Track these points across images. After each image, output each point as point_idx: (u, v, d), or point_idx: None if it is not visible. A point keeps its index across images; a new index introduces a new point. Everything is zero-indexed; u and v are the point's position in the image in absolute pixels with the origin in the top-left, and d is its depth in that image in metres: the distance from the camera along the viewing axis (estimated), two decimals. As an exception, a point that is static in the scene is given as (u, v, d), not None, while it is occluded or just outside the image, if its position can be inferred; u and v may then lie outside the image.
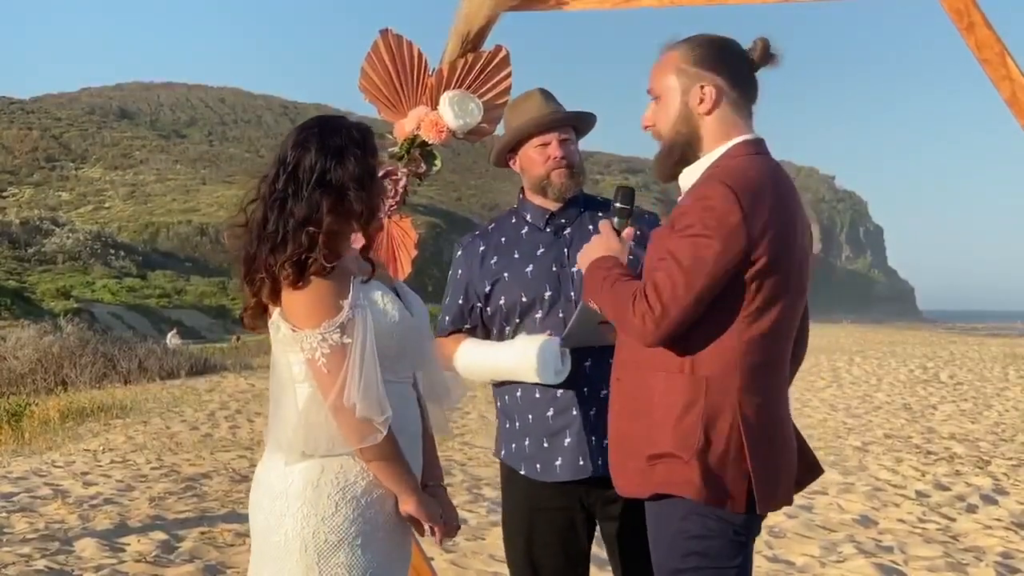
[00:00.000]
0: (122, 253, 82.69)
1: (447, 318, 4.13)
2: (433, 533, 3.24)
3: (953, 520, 8.87)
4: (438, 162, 4.24)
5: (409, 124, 4.16)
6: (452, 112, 4.11)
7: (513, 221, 4.08)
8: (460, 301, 4.08)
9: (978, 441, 13.88)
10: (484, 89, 4.19)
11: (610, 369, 3.73)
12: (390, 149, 4.19)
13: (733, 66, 3.16)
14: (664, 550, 3.07)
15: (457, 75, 4.15)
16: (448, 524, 3.29)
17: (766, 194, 3.00)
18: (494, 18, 4.16)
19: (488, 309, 4.00)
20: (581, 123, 4.04)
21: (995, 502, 9.70)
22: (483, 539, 8.02)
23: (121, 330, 44.23)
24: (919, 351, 39.40)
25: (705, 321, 2.98)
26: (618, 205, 3.41)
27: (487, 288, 3.99)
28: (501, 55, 4.19)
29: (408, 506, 3.15)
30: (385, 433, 3.06)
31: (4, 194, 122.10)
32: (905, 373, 26.95)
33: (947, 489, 10.32)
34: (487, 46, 4.21)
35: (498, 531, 8.19)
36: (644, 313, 2.94)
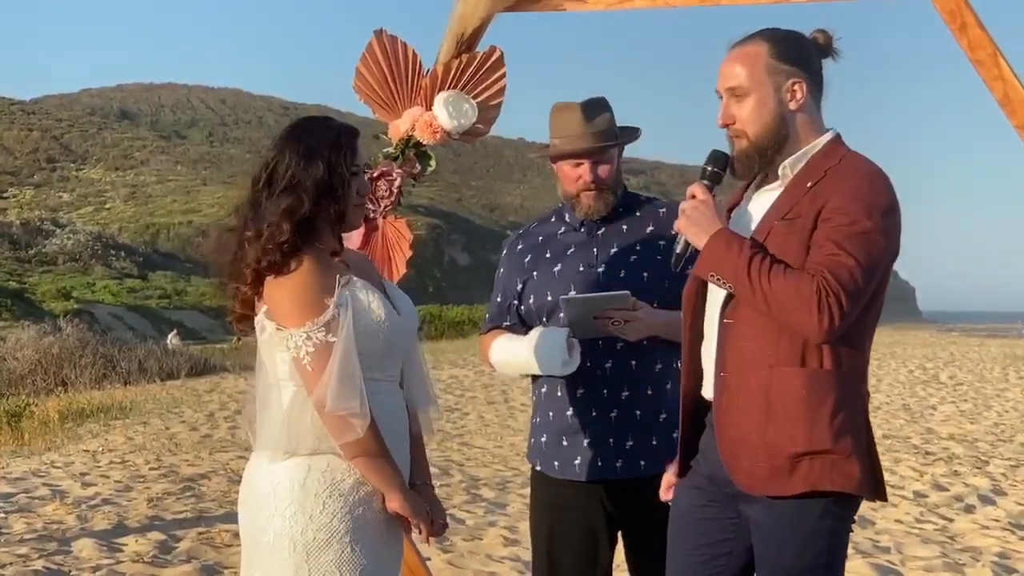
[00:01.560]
0: (123, 254, 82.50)
1: (488, 315, 4.21)
2: (420, 531, 3.24)
3: (951, 520, 8.87)
4: (432, 163, 4.24)
5: (404, 125, 4.17)
6: (446, 113, 4.12)
7: (553, 220, 4.13)
8: (499, 299, 4.15)
9: (977, 442, 13.87)
10: (479, 90, 4.19)
11: (631, 370, 3.78)
12: (385, 150, 4.20)
13: (812, 60, 3.19)
14: (797, 549, 3.05)
15: (452, 76, 4.16)
16: (435, 522, 3.29)
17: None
18: (488, 19, 4.16)
19: (522, 307, 4.05)
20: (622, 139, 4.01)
21: (993, 502, 9.71)
22: (480, 539, 8.03)
23: (122, 331, 44.24)
24: (919, 352, 39.36)
25: None
26: (710, 169, 3.26)
27: (519, 286, 4.05)
28: (496, 56, 4.19)
29: (394, 503, 3.16)
30: (364, 429, 3.07)
31: (5, 195, 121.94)
32: (905, 374, 26.92)
33: (945, 490, 10.33)
34: (482, 47, 4.22)
35: (495, 531, 8.25)
36: (831, 310, 2.89)
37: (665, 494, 3.44)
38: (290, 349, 3.09)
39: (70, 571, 7.06)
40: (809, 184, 3.07)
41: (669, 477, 3.44)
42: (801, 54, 3.16)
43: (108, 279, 72.60)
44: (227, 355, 32.16)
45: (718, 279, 3.08)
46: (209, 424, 16.22)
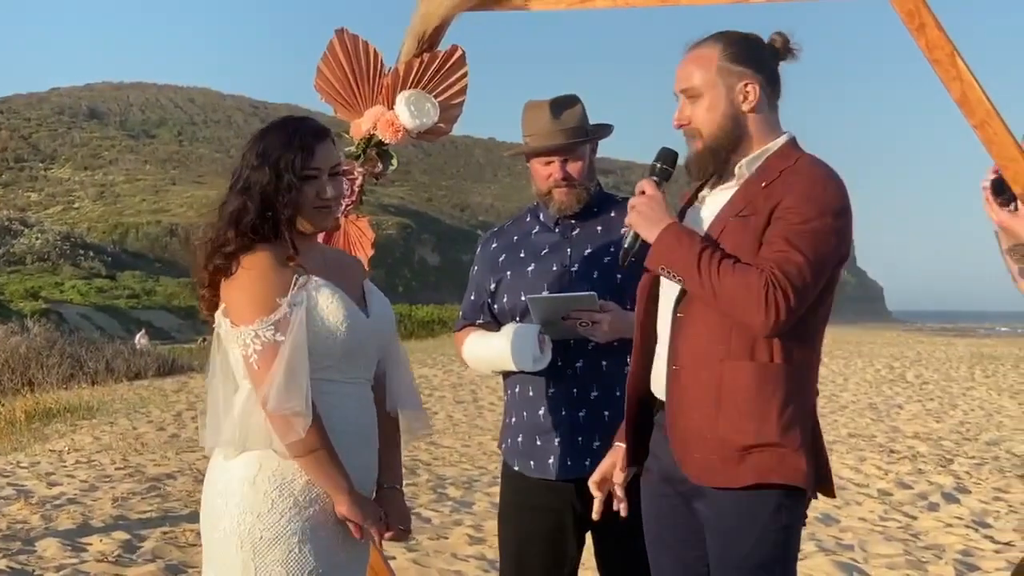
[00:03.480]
0: (91, 254, 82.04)
1: (462, 313, 4.22)
2: (371, 537, 3.21)
3: (914, 518, 8.93)
4: (394, 162, 4.25)
5: (365, 124, 4.17)
6: (408, 112, 4.12)
7: (528, 220, 4.13)
8: (472, 297, 4.16)
9: (941, 440, 13.97)
10: (440, 89, 4.19)
11: (601, 370, 3.79)
12: (346, 149, 4.19)
13: (766, 62, 3.20)
14: (751, 543, 3.07)
15: (413, 75, 4.16)
16: (395, 528, 3.29)
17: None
18: (450, 18, 4.17)
19: (495, 306, 4.06)
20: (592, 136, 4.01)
21: (957, 500, 9.78)
22: (446, 538, 8.03)
23: (90, 331, 43.88)
24: (886, 351, 39.59)
25: None
26: (660, 166, 3.28)
27: (492, 286, 4.06)
28: (457, 55, 4.20)
29: (341, 507, 3.13)
30: (305, 430, 3.05)
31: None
32: (872, 373, 27.07)
33: (909, 487, 10.40)
34: (443, 46, 4.22)
35: (460, 530, 8.25)
36: (778, 305, 2.93)
37: (599, 489, 3.44)
38: (239, 347, 3.10)
39: (34, 571, 7.02)
40: (764, 184, 3.10)
41: (607, 469, 3.44)
42: (754, 56, 3.18)
43: (76, 279, 72.21)
44: (195, 355, 32.03)
45: (668, 272, 3.11)
46: (176, 424, 16.16)
